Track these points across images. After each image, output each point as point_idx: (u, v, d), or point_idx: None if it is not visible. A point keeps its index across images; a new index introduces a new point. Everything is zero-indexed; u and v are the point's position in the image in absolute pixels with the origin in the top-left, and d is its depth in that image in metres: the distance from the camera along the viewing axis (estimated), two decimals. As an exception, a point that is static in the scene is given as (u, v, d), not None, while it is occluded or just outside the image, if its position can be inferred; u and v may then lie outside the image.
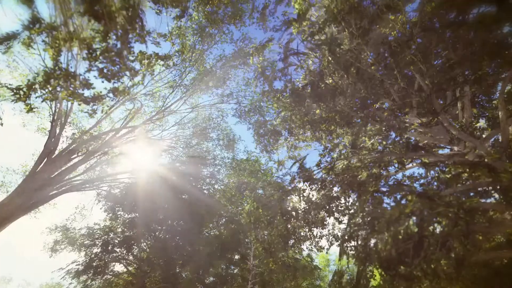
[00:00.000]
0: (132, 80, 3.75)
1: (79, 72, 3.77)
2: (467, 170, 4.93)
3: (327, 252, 9.06)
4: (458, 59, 5.58)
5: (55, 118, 9.12)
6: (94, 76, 3.84)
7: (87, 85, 3.56)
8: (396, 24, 6.52)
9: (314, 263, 19.95)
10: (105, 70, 3.87)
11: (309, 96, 7.77)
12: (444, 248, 4.05)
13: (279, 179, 17.43)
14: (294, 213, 6.07)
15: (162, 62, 5.04)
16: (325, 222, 6.70)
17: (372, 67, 5.96)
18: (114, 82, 3.98)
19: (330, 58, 6.15)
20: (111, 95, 3.81)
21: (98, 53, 3.23)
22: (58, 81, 3.32)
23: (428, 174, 12.59)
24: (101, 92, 3.74)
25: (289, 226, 5.74)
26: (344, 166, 6.97)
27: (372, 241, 4.34)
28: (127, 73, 4.01)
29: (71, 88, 3.82)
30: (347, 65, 6.11)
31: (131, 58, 3.55)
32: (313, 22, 6.13)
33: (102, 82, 3.90)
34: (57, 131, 9.24)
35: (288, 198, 5.45)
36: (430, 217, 3.49)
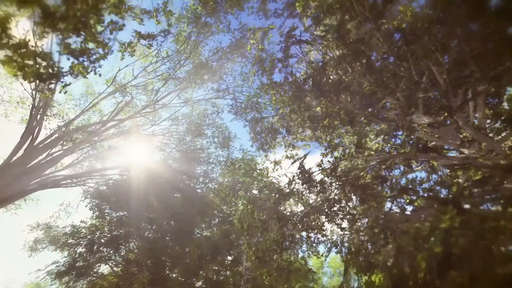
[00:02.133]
0: (101, 55, 3.10)
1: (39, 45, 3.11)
2: (498, 174, 4.37)
3: (325, 259, 8.43)
4: (476, 53, 5.05)
5: (35, 107, 8.38)
6: (58, 51, 3.17)
7: (43, 56, 2.90)
8: (406, 17, 5.97)
9: (309, 266, 19.46)
10: (72, 45, 3.20)
11: (311, 90, 7.17)
12: (464, 265, 3.51)
13: (275, 180, 16.89)
14: (292, 217, 5.46)
15: (145, 43, 4.46)
16: (324, 227, 6.11)
17: (384, 56, 5.39)
18: (83, 61, 3.31)
19: (337, 44, 5.56)
20: (70, 73, 3.15)
21: (57, 17, 2.58)
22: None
23: (430, 177, 12.01)
24: (61, 68, 3.08)
25: (285, 231, 5.15)
26: (346, 168, 6.39)
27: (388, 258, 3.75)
28: (100, 50, 3.34)
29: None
30: (357, 53, 5.52)
31: (99, 28, 2.90)
32: (319, 5, 5.53)
33: (68, 59, 3.24)
34: (37, 121, 8.51)
35: (285, 201, 4.88)
36: (457, 231, 2.93)
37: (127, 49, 4.13)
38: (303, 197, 5.55)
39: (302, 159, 5.48)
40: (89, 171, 10.97)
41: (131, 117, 10.51)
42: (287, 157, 14.81)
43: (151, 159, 17.45)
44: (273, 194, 4.13)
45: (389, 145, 7.72)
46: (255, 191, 14.64)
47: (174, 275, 13.48)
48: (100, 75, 3.61)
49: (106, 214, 14.42)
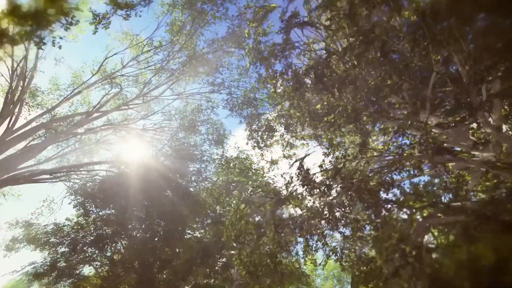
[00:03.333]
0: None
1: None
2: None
3: (323, 268, 7.83)
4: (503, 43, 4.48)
5: (10, 93, 7.59)
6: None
7: None
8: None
9: (303, 269, 18.93)
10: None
11: (312, 83, 6.52)
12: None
13: (271, 180, 16.26)
14: (290, 223, 4.82)
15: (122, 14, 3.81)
16: (325, 235, 5.49)
17: (399, 44, 4.77)
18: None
19: (347, 30, 4.92)
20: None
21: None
22: None
23: (433, 181, 11.38)
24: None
25: (282, 238, 4.51)
26: (351, 170, 5.77)
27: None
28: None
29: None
30: (369, 40, 4.89)
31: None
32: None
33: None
34: (13, 105, 7.72)
35: (283, 205, 4.25)
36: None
37: (101, 21, 3.45)
38: (303, 200, 4.92)
39: (302, 158, 4.84)
40: (72, 165, 10.22)
41: (118, 109, 9.76)
42: (284, 156, 14.19)
43: (142, 155, 16.68)
44: (268, 198, 3.49)
45: (392, 146, 7.13)
46: (249, 192, 13.93)
47: (163, 277, 12.77)
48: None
49: (91, 212, 13.62)
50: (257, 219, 3.94)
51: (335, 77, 6.59)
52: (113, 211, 14.80)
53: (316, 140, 11.15)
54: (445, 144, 6.47)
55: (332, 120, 5.75)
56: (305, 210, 4.44)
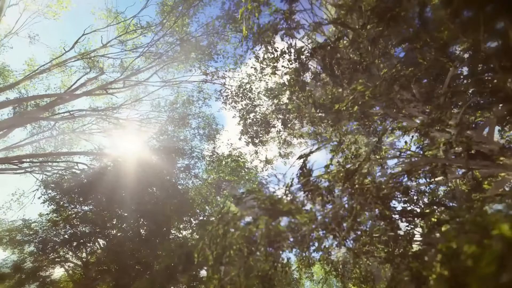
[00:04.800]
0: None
1: None
2: None
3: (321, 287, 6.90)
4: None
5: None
6: None
7: None
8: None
9: (294, 276, 18.03)
10: None
11: (320, 68, 5.51)
12: None
13: (264, 180, 15.24)
14: (288, 235, 3.79)
15: None
16: (328, 250, 4.48)
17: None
18: None
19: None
20: None
21: None
22: None
23: (436, 189, 10.50)
24: None
25: (278, 257, 3.50)
26: (363, 172, 4.78)
27: None
28: None
29: None
30: (389, 17, 3.91)
31: None
32: None
33: None
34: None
35: (281, 216, 3.27)
36: None
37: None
38: (311, 215, 3.91)
39: (306, 155, 3.83)
40: (43, 154, 8.99)
41: (92, 93, 8.55)
42: (280, 155, 13.11)
43: (126, 148, 15.44)
44: (263, 210, 2.49)
45: (414, 145, 6.21)
46: (238, 197, 12.92)
47: (140, 284, 11.60)
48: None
49: (66, 208, 12.34)
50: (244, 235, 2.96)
51: (345, 63, 5.60)
52: (92, 207, 13.57)
53: (315, 139, 10.19)
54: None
55: (344, 109, 4.73)
56: (307, 221, 3.45)
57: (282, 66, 4.87)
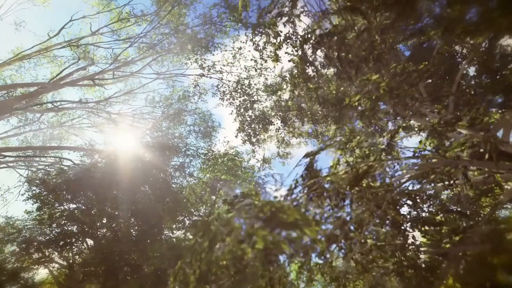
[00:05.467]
0: None
1: None
2: None
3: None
4: None
5: None
6: None
7: None
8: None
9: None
10: None
11: (327, 58, 4.98)
12: None
13: (261, 180, 14.69)
14: (288, 244, 3.23)
15: None
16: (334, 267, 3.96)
17: None
18: None
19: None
20: None
21: None
22: None
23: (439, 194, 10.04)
24: None
25: (275, 276, 2.96)
26: (374, 172, 4.25)
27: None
28: None
29: None
30: None
31: None
32: None
33: None
34: None
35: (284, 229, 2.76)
36: None
37: None
38: (318, 225, 3.37)
39: (314, 153, 3.28)
40: (27, 147, 8.36)
41: (75, 84, 7.92)
42: (278, 155, 12.52)
43: (118, 144, 14.81)
44: (260, 221, 1.96)
45: (429, 146, 5.71)
46: (231, 201, 12.41)
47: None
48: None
49: (53, 206, 11.68)
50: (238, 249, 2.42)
51: (355, 52, 5.06)
52: (79, 205, 12.92)
53: (315, 139, 9.65)
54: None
55: (355, 104, 4.19)
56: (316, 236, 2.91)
57: (286, 53, 4.32)
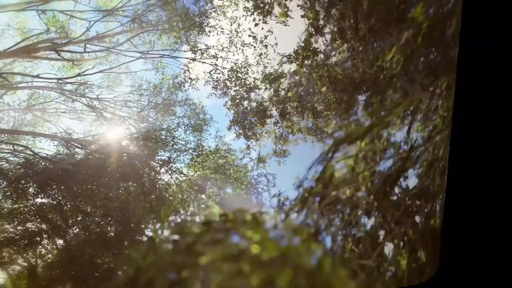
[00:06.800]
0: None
1: None
2: None
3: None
4: None
5: None
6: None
7: None
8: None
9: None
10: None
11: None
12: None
13: (254, 180, 13.57)
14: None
15: None
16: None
17: None
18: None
19: None
20: None
21: None
22: None
23: None
24: None
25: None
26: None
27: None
28: None
29: None
30: None
31: None
32: None
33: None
34: None
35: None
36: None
37: None
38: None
39: (335, 146, 2.12)
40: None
41: (30, 54, 6.56)
42: (275, 153, 11.37)
43: (98, 134, 13.51)
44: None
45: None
46: (228, 189, 11.46)
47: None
48: None
49: (14, 200, 10.32)
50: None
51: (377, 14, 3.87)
52: (49, 200, 11.58)
53: (315, 136, 8.55)
54: None
55: (387, 66, 3.00)
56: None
57: (298, 5, 3.13)
